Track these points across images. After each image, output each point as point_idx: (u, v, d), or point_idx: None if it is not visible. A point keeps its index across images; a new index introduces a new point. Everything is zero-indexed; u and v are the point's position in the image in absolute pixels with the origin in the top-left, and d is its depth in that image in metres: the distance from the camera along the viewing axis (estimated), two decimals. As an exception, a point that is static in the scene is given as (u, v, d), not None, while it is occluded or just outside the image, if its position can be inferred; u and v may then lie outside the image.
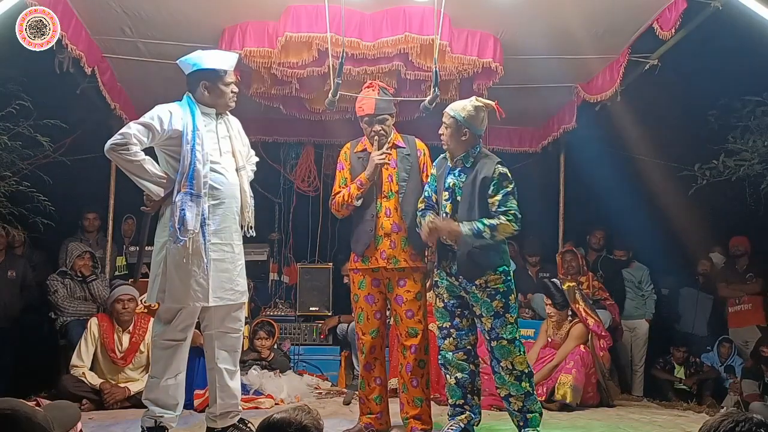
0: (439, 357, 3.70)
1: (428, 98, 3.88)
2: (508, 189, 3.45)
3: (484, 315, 3.49)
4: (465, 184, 3.52)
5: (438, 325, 3.68)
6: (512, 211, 3.42)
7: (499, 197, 3.43)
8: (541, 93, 5.65)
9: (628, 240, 6.86)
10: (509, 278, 3.52)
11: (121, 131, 3.28)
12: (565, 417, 4.55)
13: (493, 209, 3.43)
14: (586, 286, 5.97)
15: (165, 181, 3.36)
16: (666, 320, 6.84)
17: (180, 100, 3.47)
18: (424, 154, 3.83)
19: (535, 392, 3.58)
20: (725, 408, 5.38)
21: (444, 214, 3.58)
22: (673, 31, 4.33)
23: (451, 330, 3.61)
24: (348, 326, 6.05)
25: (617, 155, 6.85)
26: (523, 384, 3.50)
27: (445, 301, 3.62)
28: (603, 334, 5.14)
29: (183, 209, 3.28)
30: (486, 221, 3.39)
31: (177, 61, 3.56)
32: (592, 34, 4.70)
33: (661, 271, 6.97)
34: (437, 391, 5.05)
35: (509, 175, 3.50)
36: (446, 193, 3.60)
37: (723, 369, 6.48)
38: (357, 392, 4.12)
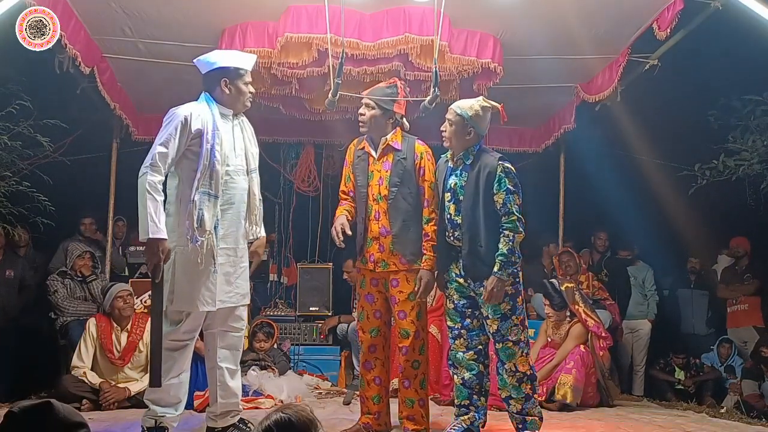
0: (449, 357, 3.69)
1: (428, 98, 3.86)
2: (511, 187, 3.41)
3: (490, 317, 3.47)
4: (467, 183, 3.49)
5: (449, 326, 3.66)
6: (514, 217, 3.38)
7: (503, 195, 3.40)
8: (541, 93, 5.65)
9: (631, 239, 6.87)
10: (517, 279, 3.47)
11: (153, 156, 3.18)
12: (565, 417, 4.55)
13: (498, 207, 3.40)
14: (586, 286, 5.96)
15: (162, 227, 3.16)
16: (668, 321, 6.83)
17: (196, 100, 3.42)
18: (422, 158, 3.64)
19: (536, 396, 3.57)
20: (725, 408, 5.38)
21: (447, 216, 3.56)
22: (669, 31, 4.33)
23: (462, 330, 3.59)
24: (348, 326, 6.05)
25: (617, 155, 6.85)
26: (524, 387, 3.49)
27: (456, 301, 3.60)
28: (603, 335, 5.12)
29: (201, 209, 3.24)
30: (501, 246, 3.36)
31: (194, 61, 3.53)
32: (592, 34, 4.70)
33: (662, 272, 6.97)
34: (437, 391, 5.05)
35: (513, 171, 3.46)
36: (448, 194, 3.57)
37: (723, 369, 6.47)
38: (357, 392, 4.12)
